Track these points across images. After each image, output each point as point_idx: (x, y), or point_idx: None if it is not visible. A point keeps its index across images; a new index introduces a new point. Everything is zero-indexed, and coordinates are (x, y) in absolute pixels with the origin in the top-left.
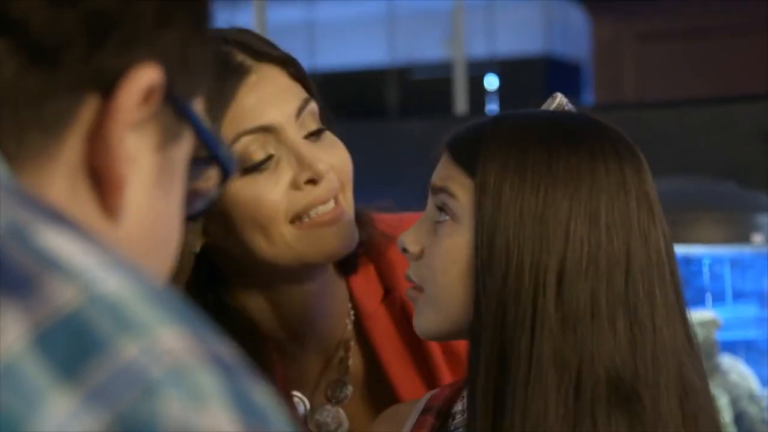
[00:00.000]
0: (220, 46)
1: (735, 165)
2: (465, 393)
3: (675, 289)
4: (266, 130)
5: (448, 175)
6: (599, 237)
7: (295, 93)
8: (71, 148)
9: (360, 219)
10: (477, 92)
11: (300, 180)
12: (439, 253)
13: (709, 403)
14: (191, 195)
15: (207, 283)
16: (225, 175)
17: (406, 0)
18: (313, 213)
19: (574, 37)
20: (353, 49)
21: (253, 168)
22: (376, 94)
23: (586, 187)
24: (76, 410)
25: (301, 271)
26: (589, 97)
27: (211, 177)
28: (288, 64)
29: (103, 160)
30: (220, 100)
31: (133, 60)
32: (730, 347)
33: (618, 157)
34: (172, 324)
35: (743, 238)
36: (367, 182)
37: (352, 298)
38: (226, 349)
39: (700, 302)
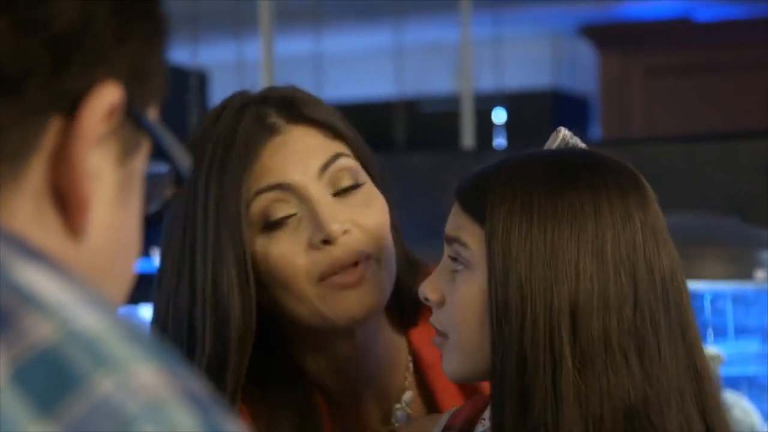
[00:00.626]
0: (258, 105)
1: (739, 201)
2: (487, 416)
3: (680, 318)
4: (284, 188)
5: (459, 224)
6: (607, 273)
7: (324, 150)
8: (35, 173)
9: (416, 271)
10: (485, 126)
11: (315, 240)
12: (457, 302)
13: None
14: (147, 197)
15: (261, 336)
16: (179, 176)
17: (414, 33)
18: (339, 275)
19: (581, 71)
20: (361, 81)
21: (273, 226)
22: (383, 127)
23: (591, 225)
24: None
25: (339, 328)
26: (596, 131)
27: (167, 178)
28: (325, 125)
29: (68, 180)
30: (246, 161)
31: (95, 79)
32: (733, 383)
33: (621, 190)
34: (147, 360)
35: (746, 274)
36: None
37: (411, 349)
38: (200, 386)
39: (702, 338)
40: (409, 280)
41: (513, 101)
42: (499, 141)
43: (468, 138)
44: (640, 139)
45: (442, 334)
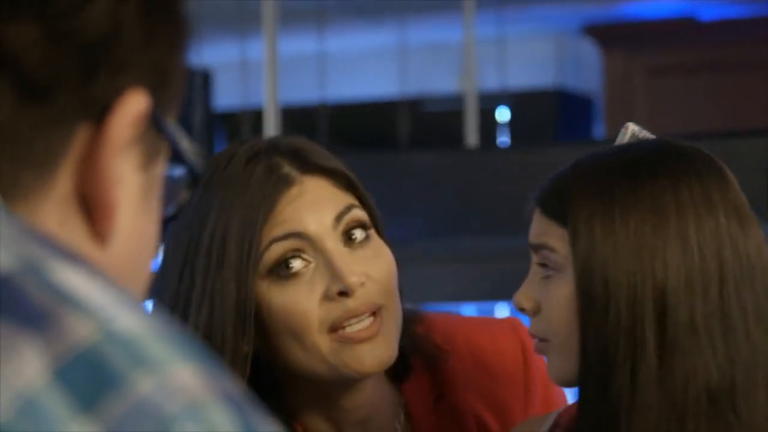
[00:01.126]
0: (271, 156)
1: None
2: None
3: (765, 291)
4: (301, 237)
5: (542, 230)
6: (692, 258)
7: (337, 201)
8: (63, 180)
9: (414, 327)
10: (488, 125)
11: (332, 292)
12: (553, 306)
13: None
14: (164, 199)
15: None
16: (194, 178)
17: (417, 32)
18: (348, 327)
19: (585, 70)
20: (364, 80)
21: (286, 275)
22: (387, 126)
23: (673, 213)
24: None
25: (346, 381)
26: (600, 130)
27: (181, 181)
28: (337, 174)
29: (95, 187)
30: (261, 210)
31: (122, 86)
32: None
33: (698, 174)
34: (184, 361)
35: None
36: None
37: (403, 401)
38: (236, 387)
39: None
40: (407, 331)
41: (517, 100)
42: (503, 140)
43: (471, 137)
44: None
45: (544, 340)
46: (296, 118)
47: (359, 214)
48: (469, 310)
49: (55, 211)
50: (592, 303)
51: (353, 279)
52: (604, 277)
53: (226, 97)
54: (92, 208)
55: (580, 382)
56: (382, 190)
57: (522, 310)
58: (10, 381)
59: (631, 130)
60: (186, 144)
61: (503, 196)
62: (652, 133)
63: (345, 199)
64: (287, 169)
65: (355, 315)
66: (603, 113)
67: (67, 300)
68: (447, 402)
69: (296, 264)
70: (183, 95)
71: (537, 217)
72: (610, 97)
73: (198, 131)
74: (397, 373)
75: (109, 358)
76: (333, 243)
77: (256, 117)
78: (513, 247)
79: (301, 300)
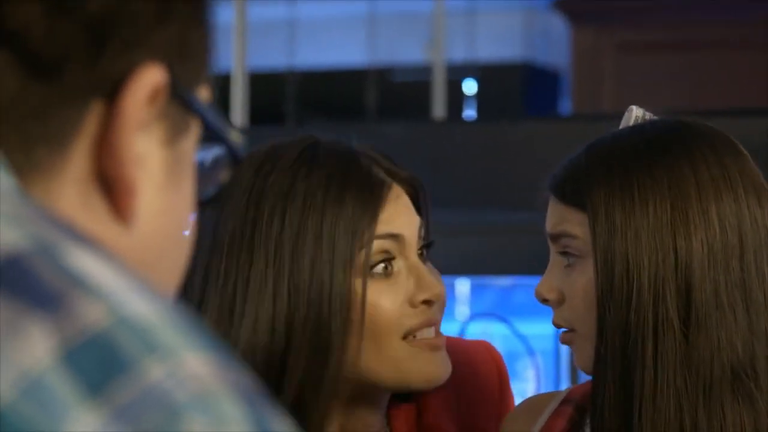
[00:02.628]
0: (359, 156)
1: None
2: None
3: None
4: (396, 239)
5: (561, 218)
6: (714, 232)
7: (417, 213)
8: (79, 158)
9: None
10: (455, 96)
11: (417, 299)
12: (577, 294)
13: None
14: (201, 182)
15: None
16: (234, 159)
17: (387, 1)
18: (419, 334)
19: (554, 45)
20: (334, 48)
21: (380, 275)
22: (355, 95)
23: (692, 188)
24: (102, 427)
25: (385, 394)
26: (567, 105)
27: (220, 162)
28: (411, 184)
29: (113, 166)
30: (366, 214)
31: (135, 62)
32: None
33: (714, 150)
34: (197, 350)
35: None
36: None
37: (387, 414)
38: (248, 379)
39: None
40: None
41: (484, 73)
42: (470, 112)
43: (438, 108)
44: (610, 114)
45: (570, 330)
46: (264, 84)
47: (424, 231)
48: None
49: (73, 192)
50: (615, 285)
51: (439, 289)
52: (626, 258)
53: None
54: (112, 188)
55: (597, 366)
56: None
57: (545, 301)
58: (14, 361)
59: (635, 113)
60: (221, 122)
61: (470, 169)
62: (620, 108)
63: (417, 213)
64: (382, 174)
65: (433, 323)
66: (571, 88)
67: (79, 283)
68: (424, 421)
69: (386, 265)
70: (210, 70)
71: (553, 205)
72: (578, 72)
73: None
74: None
75: (119, 344)
76: (416, 252)
77: (222, 82)
78: (479, 221)
79: (386, 300)
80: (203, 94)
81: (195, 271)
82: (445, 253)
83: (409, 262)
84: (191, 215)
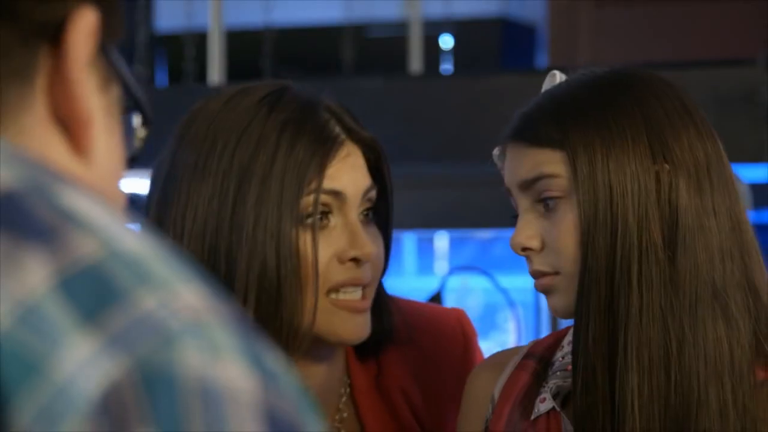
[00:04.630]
0: (320, 109)
1: None
2: (566, 342)
3: (732, 180)
4: (335, 195)
5: (536, 162)
6: (689, 157)
7: (366, 175)
8: (40, 99)
9: (388, 307)
10: (432, 52)
11: (346, 255)
12: (562, 234)
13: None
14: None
15: None
16: (146, 120)
17: None
18: (342, 293)
19: None
20: (309, 5)
21: (310, 225)
22: (331, 51)
23: (663, 118)
24: (96, 352)
25: (324, 344)
26: (543, 59)
27: (133, 125)
28: (370, 147)
29: (68, 103)
30: (312, 165)
31: (73, 5)
32: None
33: (669, 86)
34: (188, 282)
35: None
36: None
37: (348, 369)
38: (237, 311)
39: None
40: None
41: (461, 28)
42: (446, 67)
43: (415, 63)
44: (587, 67)
45: (554, 274)
46: (240, 41)
47: (374, 193)
48: (410, 237)
49: (40, 132)
50: (599, 215)
51: (370, 250)
52: (610, 187)
53: (168, 18)
54: (69, 126)
55: (581, 300)
56: None
57: (525, 250)
58: (10, 290)
59: (559, 77)
60: (134, 82)
61: (447, 123)
62: (596, 62)
63: (369, 176)
64: (337, 129)
65: (357, 283)
66: (547, 42)
67: (71, 219)
68: (383, 379)
69: (325, 218)
70: (123, 25)
71: (522, 152)
72: (555, 27)
73: (141, 53)
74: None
75: (113, 275)
76: (357, 211)
77: (199, 39)
78: (456, 174)
79: (317, 253)
80: (115, 52)
81: (153, 195)
82: (424, 207)
83: (346, 219)
84: (121, 165)
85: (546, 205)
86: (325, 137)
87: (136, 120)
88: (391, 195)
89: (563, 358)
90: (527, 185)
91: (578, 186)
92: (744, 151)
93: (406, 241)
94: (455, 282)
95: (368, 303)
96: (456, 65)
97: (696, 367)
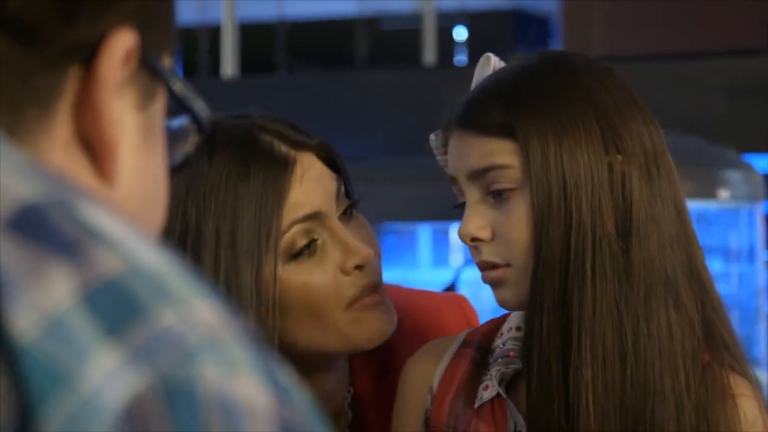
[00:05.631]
0: (259, 135)
1: (702, 120)
2: (505, 329)
3: (674, 170)
4: (313, 217)
5: (486, 152)
6: (638, 146)
7: (331, 176)
8: (62, 121)
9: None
10: (446, 43)
11: (348, 266)
12: (516, 225)
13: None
14: (170, 149)
15: None
16: (200, 127)
17: None
18: (363, 299)
19: None
20: None
21: (300, 254)
22: (345, 44)
23: (611, 106)
24: (120, 366)
25: (339, 357)
26: (557, 50)
27: (187, 130)
28: (320, 148)
29: (94, 127)
30: (273, 194)
31: (107, 27)
32: None
33: (613, 73)
34: (203, 298)
35: (709, 193)
36: (336, 130)
37: (351, 374)
38: (250, 330)
39: None
40: None
41: (474, 19)
42: (460, 58)
43: (429, 55)
44: (601, 57)
45: (504, 266)
46: (254, 34)
47: (343, 187)
48: (424, 229)
49: (60, 153)
50: (553, 206)
51: (367, 252)
52: (563, 177)
53: (182, 12)
54: (94, 149)
55: (535, 291)
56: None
57: (474, 241)
58: (36, 302)
59: (493, 61)
60: (187, 91)
61: None
62: (610, 52)
63: (331, 173)
64: (284, 148)
65: (373, 287)
66: (560, 33)
67: (93, 233)
68: (390, 378)
69: (305, 241)
70: (175, 38)
71: (472, 141)
72: (568, 17)
73: None
74: None
75: (135, 290)
76: (336, 218)
77: (213, 33)
78: None
79: (318, 277)
80: (168, 63)
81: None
82: (439, 199)
83: (331, 231)
84: (165, 179)
85: (496, 195)
86: (275, 172)
87: (185, 129)
88: (350, 183)
89: (504, 345)
90: (477, 175)
91: (531, 177)
92: (757, 140)
93: (421, 234)
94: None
95: (381, 296)
96: (470, 57)
97: (651, 359)
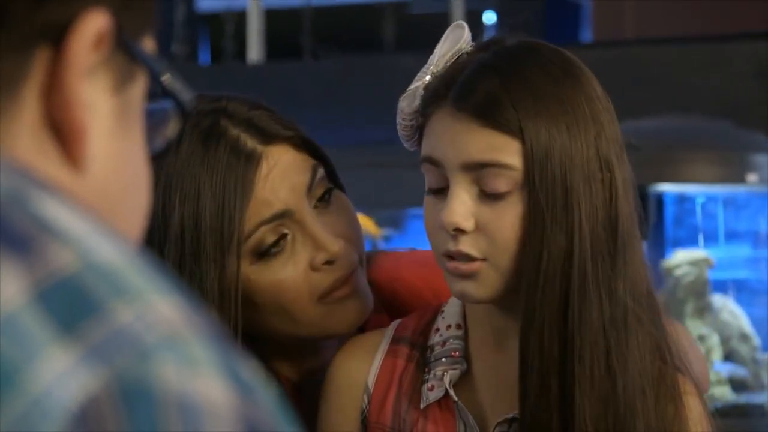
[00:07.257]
0: (227, 127)
1: (731, 104)
2: (443, 327)
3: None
4: (282, 215)
5: (490, 145)
6: (621, 162)
7: (304, 166)
8: (30, 105)
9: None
10: (475, 27)
11: (317, 262)
12: (506, 226)
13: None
14: (151, 134)
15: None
16: (182, 110)
17: None
18: (334, 291)
19: None
20: None
21: (268, 252)
22: (373, 29)
23: (604, 114)
24: (74, 365)
25: (335, 339)
26: (587, 33)
27: (168, 114)
28: (294, 139)
29: (62, 111)
30: (237, 194)
31: (78, 8)
32: (722, 287)
33: (591, 74)
34: (164, 294)
35: (738, 177)
36: (362, 115)
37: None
38: (214, 325)
39: (693, 241)
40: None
41: (504, 3)
42: None
43: None
44: (632, 40)
45: (480, 260)
46: (279, 19)
47: (322, 172)
48: None
49: (28, 138)
50: (557, 217)
51: (336, 248)
52: (567, 189)
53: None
54: (63, 134)
55: (532, 303)
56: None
57: (458, 230)
58: None
59: (467, 30)
60: (168, 73)
61: None
62: (641, 35)
63: (308, 160)
64: (251, 143)
65: (343, 281)
66: (591, 17)
67: (48, 229)
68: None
69: (275, 238)
70: (155, 19)
71: (474, 128)
72: (599, 2)
73: (180, 31)
74: None
75: (89, 287)
76: (308, 211)
77: (239, 18)
78: None
79: (286, 275)
80: (149, 44)
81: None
82: None
83: (302, 226)
84: (145, 163)
85: (488, 189)
86: (239, 163)
87: (169, 112)
88: (326, 157)
89: (444, 344)
90: (473, 167)
91: (534, 184)
92: None
93: None
94: None
95: (354, 284)
96: None
97: (632, 377)
